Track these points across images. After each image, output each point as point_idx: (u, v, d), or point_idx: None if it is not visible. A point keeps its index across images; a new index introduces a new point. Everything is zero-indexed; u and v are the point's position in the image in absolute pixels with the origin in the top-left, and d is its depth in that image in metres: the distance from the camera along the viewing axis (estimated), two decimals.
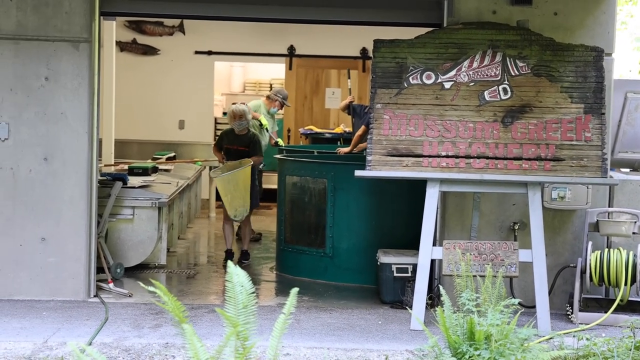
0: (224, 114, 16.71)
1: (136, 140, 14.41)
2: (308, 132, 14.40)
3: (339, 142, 13.26)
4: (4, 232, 8.14)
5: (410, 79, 7.82)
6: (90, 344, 6.76)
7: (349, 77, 13.54)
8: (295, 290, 4.52)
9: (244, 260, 10.31)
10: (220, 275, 9.60)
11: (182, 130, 15.46)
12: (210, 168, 14.10)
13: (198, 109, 15.50)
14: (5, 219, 8.15)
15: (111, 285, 8.64)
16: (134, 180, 10.15)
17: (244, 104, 10.58)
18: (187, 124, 15.51)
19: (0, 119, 8.12)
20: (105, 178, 9.43)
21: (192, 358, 4.18)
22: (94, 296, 8.30)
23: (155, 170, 11.62)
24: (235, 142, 10.36)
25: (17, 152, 8.16)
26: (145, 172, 11.12)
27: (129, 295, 8.39)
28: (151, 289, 4.25)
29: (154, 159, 13.30)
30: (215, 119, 16.23)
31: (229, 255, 10.27)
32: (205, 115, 15.68)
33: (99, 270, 8.62)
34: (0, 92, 8.12)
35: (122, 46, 15.12)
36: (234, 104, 10.62)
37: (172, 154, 13.84)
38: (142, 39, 15.49)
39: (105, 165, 11.97)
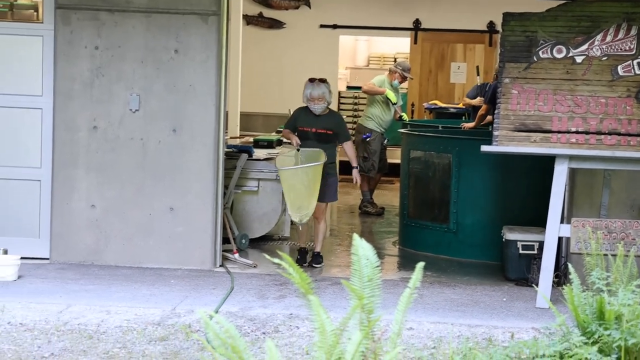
0: (348, 87, 16.74)
1: (261, 113, 14.55)
2: (432, 107, 14.28)
3: (463, 117, 13.12)
4: (134, 201, 8.35)
5: (540, 52, 7.65)
6: (216, 312, 6.88)
7: (478, 74, 13.36)
8: (421, 264, 4.48)
9: (315, 264, 8.71)
10: (344, 249, 9.63)
11: None
12: None
13: None
14: (135, 188, 8.35)
15: (236, 255, 8.77)
16: (259, 153, 10.24)
17: (323, 80, 8.76)
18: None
19: (131, 91, 8.30)
20: (231, 150, 9.55)
21: (317, 329, 4.20)
22: (220, 266, 8.44)
23: (279, 143, 11.69)
24: (315, 124, 8.64)
25: (147, 124, 8.34)
26: (270, 144, 11.20)
27: (254, 266, 8.51)
28: (276, 260, 4.29)
29: (279, 131, 13.39)
30: (339, 92, 16.25)
31: (301, 254, 8.81)
32: None
33: (225, 240, 8.76)
34: (132, 64, 8.29)
35: (248, 20, 15.26)
36: (311, 80, 8.78)
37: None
38: (268, 13, 15.61)
39: (231, 138, 12.12)
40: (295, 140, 8.57)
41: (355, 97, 16.07)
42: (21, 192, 8.38)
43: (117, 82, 8.29)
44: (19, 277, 7.74)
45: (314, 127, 8.62)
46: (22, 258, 7.86)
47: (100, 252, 8.35)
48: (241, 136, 12.35)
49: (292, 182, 8.30)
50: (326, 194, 8.61)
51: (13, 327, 6.48)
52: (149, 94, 8.32)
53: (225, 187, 8.89)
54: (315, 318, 4.21)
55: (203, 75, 8.32)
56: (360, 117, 12.73)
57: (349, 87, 16.83)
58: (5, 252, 7.83)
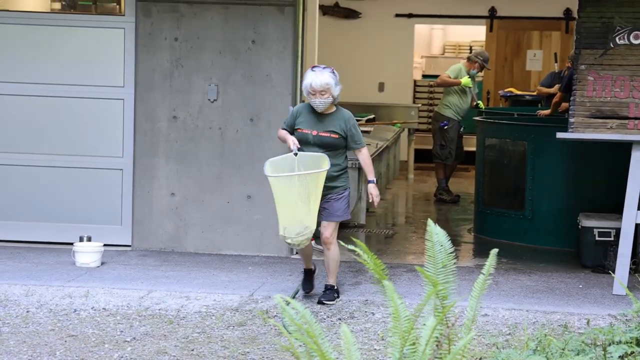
0: (424, 76, 16.73)
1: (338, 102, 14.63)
2: (508, 95, 14.20)
3: (539, 105, 13.02)
4: (213, 189, 8.51)
5: (617, 39, 7.59)
6: (293, 298, 6.99)
7: (556, 61, 13.27)
8: (494, 250, 4.52)
9: (326, 301, 6.92)
10: (419, 236, 9.68)
11: (381, 93, 15.59)
12: (410, 131, 14.19)
13: (397, 71, 15.57)
14: (214, 176, 8.51)
15: (313, 242, 8.86)
16: None
17: (331, 71, 6.92)
18: (387, 87, 15.63)
19: (210, 81, 8.46)
20: None
21: (392, 314, 4.26)
22: (296, 253, 8.55)
23: None
24: (317, 125, 6.86)
25: (225, 113, 8.49)
26: None
27: None
28: (351, 247, 4.36)
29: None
30: (415, 81, 16.26)
31: (307, 276, 7.20)
32: (404, 78, 15.74)
33: None
34: (210, 55, 8.45)
35: (324, 10, 15.35)
36: (313, 67, 6.96)
37: (372, 116, 13.98)
38: (344, 3, 15.68)
39: None
40: (292, 141, 6.78)
41: (431, 86, 16.06)
42: (104, 181, 8.61)
43: (196, 72, 8.46)
44: (103, 263, 7.96)
45: (316, 130, 6.83)
46: (105, 245, 8.08)
47: (180, 239, 8.54)
48: None
49: (286, 193, 6.58)
50: (335, 209, 6.90)
51: (96, 312, 6.68)
52: (227, 84, 8.47)
53: None
54: (390, 304, 4.27)
55: (279, 65, 8.43)
56: (437, 105, 12.74)
57: (424, 76, 16.83)
58: (89, 239, 8.06)
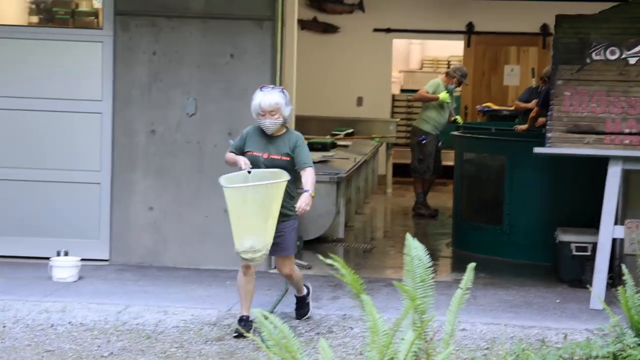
0: (402, 91, 16.78)
1: (316, 116, 14.63)
2: (486, 110, 14.28)
3: (516, 120, 13.10)
4: (191, 203, 8.49)
5: (593, 54, 7.65)
6: (271, 312, 6.98)
7: (533, 76, 13.37)
8: (472, 265, 4.55)
9: (301, 315, 6.99)
10: (397, 251, 9.69)
11: (360, 107, 15.62)
12: (388, 145, 14.23)
13: (376, 86, 15.61)
14: (192, 191, 8.49)
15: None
16: (313, 156, 10.25)
17: (280, 90, 6.64)
18: (365, 101, 15.66)
19: (188, 95, 8.45)
20: None
21: (370, 329, 4.27)
22: (274, 268, 8.53)
23: (334, 145, 11.80)
24: (267, 148, 6.61)
25: (203, 127, 8.48)
26: (324, 147, 11.32)
27: (308, 268, 8.60)
28: (329, 261, 4.36)
29: (333, 134, 13.51)
30: (393, 96, 16.30)
31: (243, 322, 6.63)
32: (383, 92, 15.78)
33: None
34: (189, 69, 8.44)
35: (303, 24, 15.37)
36: (262, 87, 6.65)
37: (351, 130, 14.02)
38: (322, 17, 15.71)
39: None
40: (243, 161, 6.51)
41: (409, 101, 16.11)
42: (81, 195, 8.57)
43: (175, 86, 8.45)
44: (80, 278, 7.92)
45: (267, 152, 6.57)
46: (82, 259, 8.04)
47: (159, 253, 8.51)
48: None
49: (240, 206, 6.30)
50: (288, 244, 6.67)
51: (74, 327, 6.64)
52: (206, 98, 8.46)
53: None
54: (368, 318, 4.28)
55: (258, 79, 8.42)
56: (415, 119, 12.78)
57: (402, 91, 16.88)
58: (66, 253, 8.02)
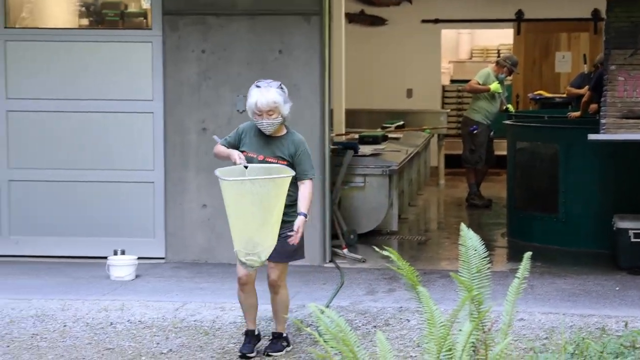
0: (452, 81, 16.68)
1: (366, 109, 14.63)
2: (537, 97, 14.13)
3: (569, 107, 12.96)
4: None
5: None
6: (327, 306, 6.99)
7: (585, 62, 13.21)
8: (528, 254, 4.50)
9: (272, 352, 6.08)
10: (451, 242, 9.63)
11: (410, 99, 15.56)
12: (439, 137, 14.16)
13: (425, 77, 15.54)
14: None
15: (345, 251, 8.87)
16: (364, 149, 10.34)
17: (278, 86, 5.97)
18: (415, 93, 15.60)
19: (238, 92, 8.47)
20: (337, 147, 9.66)
21: (427, 321, 4.25)
22: (329, 261, 8.55)
23: (385, 138, 11.77)
24: (264, 149, 5.96)
25: None
26: (375, 140, 11.29)
27: (363, 261, 8.59)
28: (385, 253, 4.35)
29: (383, 127, 13.47)
30: (443, 86, 16.22)
31: (249, 338, 6.12)
32: (432, 83, 15.71)
33: (333, 236, 8.87)
34: (238, 66, 8.47)
35: (350, 18, 15.35)
36: (258, 83, 5.98)
37: (401, 123, 13.97)
38: (369, 10, 15.67)
39: (337, 135, 12.24)
40: (238, 155, 5.88)
41: (459, 91, 16.02)
42: (136, 194, 8.64)
43: (224, 84, 8.48)
44: (137, 276, 7.99)
45: (263, 154, 5.93)
46: (139, 258, 8.11)
47: (213, 250, 8.55)
48: (346, 133, 12.45)
49: (239, 202, 5.61)
50: (285, 249, 5.91)
51: (132, 325, 6.71)
52: None
53: (333, 183, 8.99)
54: (425, 310, 4.26)
55: (307, 74, 8.43)
56: (466, 110, 12.70)
57: (452, 81, 16.79)
58: (123, 252, 8.10)
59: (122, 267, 7.93)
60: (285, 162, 5.90)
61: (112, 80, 8.66)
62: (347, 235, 9.28)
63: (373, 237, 9.69)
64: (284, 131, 6.02)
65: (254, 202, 5.54)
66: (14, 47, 8.67)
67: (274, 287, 6.07)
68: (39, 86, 8.68)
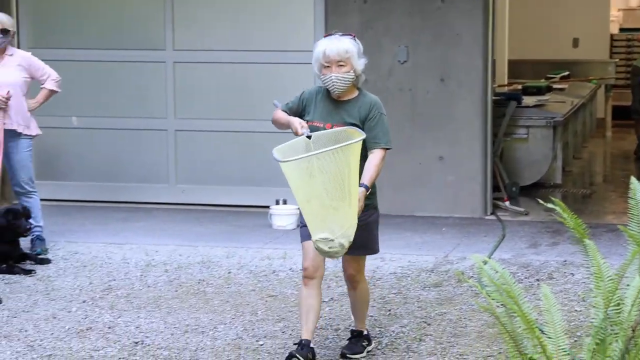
0: (621, 30, 16.07)
1: (529, 60, 14.27)
2: None
3: None
4: (404, 151, 8.48)
5: None
6: (489, 259, 6.91)
7: None
8: None
9: (350, 354, 5.22)
10: (618, 195, 9.35)
11: (576, 49, 15.09)
12: (607, 87, 13.69)
13: (593, 25, 15.02)
14: (405, 138, 8.48)
15: (507, 203, 8.75)
16: (528, 100, 10.12)
17: (352, 37, 5.08)
18: (582, 42, 15.11)
19: (399, 43, 8.41)
20: (499, 98, 9.49)
21: (595, 275, 4.14)
22: (491, 214, 8.44)
23: (549, 89, 11.49)
24: (332, 116, 5.01)
25: (415, 74, 8.43)
26: (539, 91, 11.03)
27: (525, 214, 8.45)
28: (550, 206, 4.25)
29: (548, 78, 13.14)
30: (611, 35, 15.65)
31: (302, 348, 4.98)
32: (600, 32, 15.17)
33: (495, 188, 8.75)
34: (400, 16, 8.40)
35: None
36: (327, 35, 5.12)
37: (566, 73, 13.58)
38: None
39: (499, 86, 12.02)
40: (299, 122, 4.94)
41: (629, 40, 15.43)
42: None
43: (385, 34, 8.43)
44: (297, 225, 8.09)
45: (331, 122, 4.99)
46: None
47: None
48: (509, 84, 12.22)
49: (307, 184, 4.65)
50: (362, 239, 4.92)
51: (294, 273, 6.81)
52: (417, 45, 8.40)
53: (495, 135, 8.85)
54: (592, 263, 4.14)
55: (470, 24, 8.30)
56: (636, 59, 12.23)
57: (622, 30, 16.17)
58: (285, 202, 8.22)
59: (284, 216, 8.06)
60: (361, 129, 4.93)
61: (274, 31, 8.73)
62: (509, 187, 9.13)
63: (536, 190, 9.51)
64: (356, 93, 5.05)
65: (325, 180, 4.58)
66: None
67: (352, 282, 5.21)
68: (205, 37, 8.85)
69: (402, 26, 8.40)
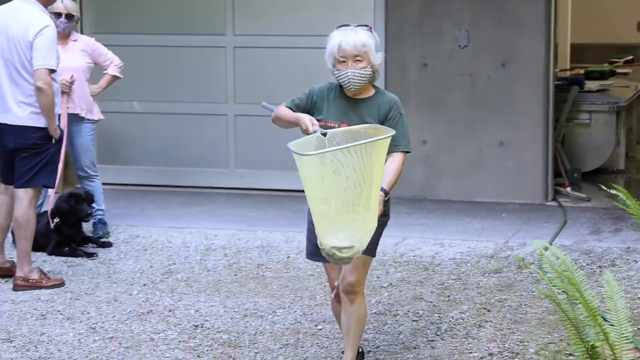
0: None
1: (592, 43, 14.05)
2: None
3: None
4: (464, 136, 8.43)
5: None
6: (550, 245, 6.85)
7: None
8: None
9: None
10: None
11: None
12: None
13: None
14: (465, 123, 8.42)
15: (568, 189, 8.65)
16: (590, 85, 9.98)
17: (368, 29, 4.62)
18: None
19: (460, 27, 8.34)
20: (561, 83, 9.38)
21: None
22: (552, 200, 8.36)
23: (612, 73, 11.31)
24: (346, 116, 4.59)
25: (476, 59, 8.36)
26: (602, 75, 10.87)
27: (587, 200, 8.35)
28: (612, 192, 4.19)
29: (611, 62, 12.93)
30: None
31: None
32: None
33: (556, 174, 8.66)
34: (461, 2, 8.33)
35: None
36: (340, 26, 4.67)
37: (630, 57, 13.35)
38: None
39: (561, 70, 11.86)
40: (309, 119, 4.50)
41: None
42: None
43: (446, 19, 8.36)
44: None
45: (346, 121, 4.55)
46: None
47: (432, 186, 8.53)
48: (572, 68, 12.06)
49: (328, 180, 4.14)
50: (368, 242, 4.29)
51: None
52: (477, 30, 8.32)
53: (556, 120, 8.75)
54: None
55: (531, 8, 8.20)
56: None
57: None
58: None
59: None
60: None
61: (331, 17, 8.70)
62: (571, 173, 9.03)
63: (598, 176, 9.38)
64: (372, 91, 4.64)
65: (350, 179, 4.08)
66: None
67: (350, 294, 4.62)
68: (265, 22, 8.86)
69: (463, 10, 8.33)
